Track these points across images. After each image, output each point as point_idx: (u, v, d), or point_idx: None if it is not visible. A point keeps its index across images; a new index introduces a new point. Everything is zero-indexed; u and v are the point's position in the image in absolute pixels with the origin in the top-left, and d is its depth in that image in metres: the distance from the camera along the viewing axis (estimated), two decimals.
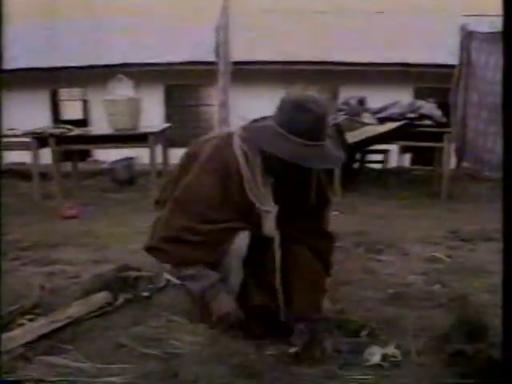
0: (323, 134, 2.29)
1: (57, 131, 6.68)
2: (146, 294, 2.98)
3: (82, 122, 12.84)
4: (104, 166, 8.36)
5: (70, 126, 6.90)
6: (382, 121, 6.35)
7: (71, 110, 14.42)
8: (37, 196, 6.82)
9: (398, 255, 4.02)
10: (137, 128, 6.52)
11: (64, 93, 13.88)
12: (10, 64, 12.01)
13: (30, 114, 12.23)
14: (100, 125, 12.20)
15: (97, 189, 7.74)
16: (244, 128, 2.42)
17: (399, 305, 2.89)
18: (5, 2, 2.08)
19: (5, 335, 2.44)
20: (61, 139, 6.62)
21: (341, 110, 6.64)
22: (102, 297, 2.83)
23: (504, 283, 1.83)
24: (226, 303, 2.39)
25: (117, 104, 6.41)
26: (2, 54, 2.24)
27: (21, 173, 8.66)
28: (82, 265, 3.72)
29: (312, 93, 2.37)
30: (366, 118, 6.35)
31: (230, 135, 2.46)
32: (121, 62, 11.61)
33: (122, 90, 6.51)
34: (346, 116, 6.47)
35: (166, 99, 12.46)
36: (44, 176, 7.15)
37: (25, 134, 6.73)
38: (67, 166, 7.87)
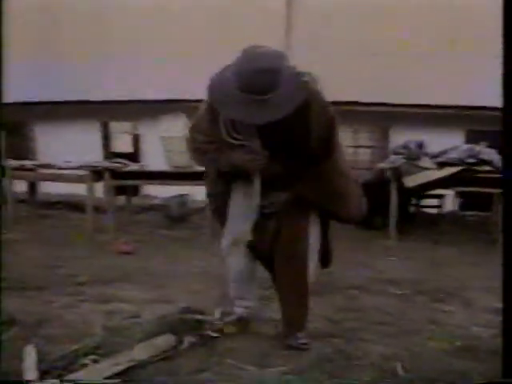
0: (267, 88, 2.36)
1: (113, 166, 6.80)
2: (211, 335, 2.95)
3: (132, 156, 13.14)
4: (157, 201, 8.46)
5: (125, 161, 7.03)
6: (440, 165, 6.26)
7: (121, 143, 14.76)
8: (90, 229, 6.91)
9: (461, 305, 3.92)
10: (193, 165, 6.57)
11: (115, 126, 14.21)
12: (61, 97, 12.48)
13: (81, 145, 12.60)
14: (151, 160, 12.48)
15: (150, 224, 7.81)
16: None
17: (467, 357, 2.80)
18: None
19: (68, 376, 2.45)
20: (116, 174, 6.74)
21: (400, 154, 6.59)
22: (165, 340, 2.82)
23: (504, 286, 2.02)
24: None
25: (174, 141, 6.51)
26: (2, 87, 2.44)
27: (72, 204, 8.82)
28: (140, 304, 3.71)
29: (268, 47, 2.45)
30: (425, 162, 6.27)
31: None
32: (171, 97, 11.82)
33: (178, 126, 6.61)
34: (405, 160, 6.41)
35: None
36: (96, 209, 7.26)
37: (81, 167, 6.87)
38: (119, 200, 7.99)
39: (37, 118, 13.05)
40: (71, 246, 6.15)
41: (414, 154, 6.41)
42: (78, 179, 6.87)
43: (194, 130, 2.90)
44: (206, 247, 5.80)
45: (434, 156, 6.48)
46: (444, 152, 6.49)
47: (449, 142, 10.86)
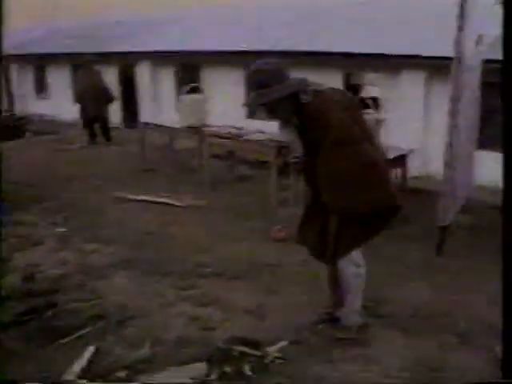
0: (254, 85, 3.46)
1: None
2: (245, 371, 3.29)
3: (376, 101, 13.20)
4: None
5: None
6: None
7: (368, 91, 15.14)
8: (273, 203, 7.43)
9: None
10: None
11: (357, 76, 14.57)
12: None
13: None
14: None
15: None
16: None
17: None
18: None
19: None
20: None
21: None
22: (197, 367, 3.25)
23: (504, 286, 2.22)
24: None
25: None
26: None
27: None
28: (232, 312, 4.21)
29: (271, 60, 3.52)
30: None
31: None
32: (413, 52, 11.75)
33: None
34: None
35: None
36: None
37: (268, 140, 7.42)
38: None
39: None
40: (244, 220, 6.75)
41: None
42: (262, 155, 7.47)
43: None
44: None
45: None
46: None
47: None
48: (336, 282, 3.81)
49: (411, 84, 12.16)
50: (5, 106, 18.22)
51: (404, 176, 7.09)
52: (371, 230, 3.66)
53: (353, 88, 13.90)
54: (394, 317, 4.20)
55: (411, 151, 7.15)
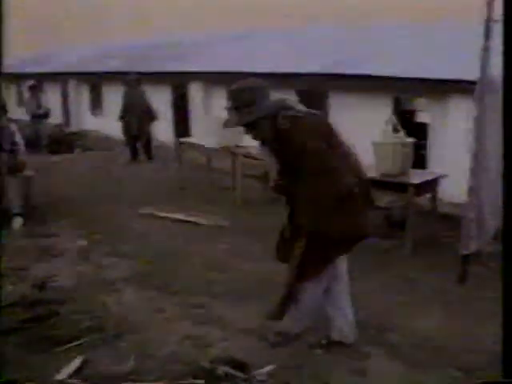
0: (235, 103, 3.46)
1: None
2: None
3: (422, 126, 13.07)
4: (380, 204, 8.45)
5: None
6: None
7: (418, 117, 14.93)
8: None
9: None
10: (404, 174, 6.53)
11: (408, 102, 14.37)
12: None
13: (370, 119, 13.18)
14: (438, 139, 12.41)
15: None
16: None
17: None
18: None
19: None
20: None
21: None
22: None
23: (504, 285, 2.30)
24: None
25: (385, 147, 6.55)
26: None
27: None
28: (230, 332, 4.19)
29: (252, 80, 3.57)
30: None
31: None
32: (462, 77, 11.52)
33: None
34: None
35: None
36: None
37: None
38: None
39: (332, 89, 13.93)
40: (265, 240, 6.71)
41: None
42: None
43: None
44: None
45: None
46: None
47: None
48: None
49: (458, 109, 11.96)
50: (61, 121, 18.95)
51: (434, 201, 6.91)
52: (335, 255, 3.69)
53: (405, 113, 13.78)
54: (398, 347, 4.09)
55: (443, 176, 6.95)
